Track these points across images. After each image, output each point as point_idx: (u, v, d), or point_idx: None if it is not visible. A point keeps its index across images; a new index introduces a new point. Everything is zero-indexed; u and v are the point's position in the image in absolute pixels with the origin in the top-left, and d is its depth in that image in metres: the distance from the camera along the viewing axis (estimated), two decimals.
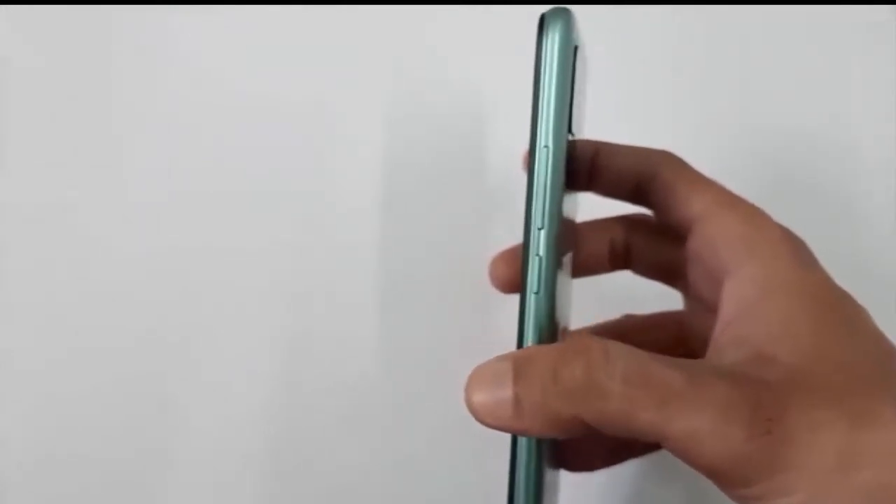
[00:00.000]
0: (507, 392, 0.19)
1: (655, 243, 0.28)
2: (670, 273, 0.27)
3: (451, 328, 0.38)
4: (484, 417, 0.20)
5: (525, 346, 0.20)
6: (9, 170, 0.35)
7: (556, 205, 0.20)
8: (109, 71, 0.36)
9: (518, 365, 0.19)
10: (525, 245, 0.20)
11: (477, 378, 0.20)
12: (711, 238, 0.24)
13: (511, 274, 0.27)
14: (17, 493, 0.34)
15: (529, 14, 0.41)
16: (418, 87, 0.39)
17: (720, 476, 0.19)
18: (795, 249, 0.23)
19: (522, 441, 0.20)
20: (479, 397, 0.20)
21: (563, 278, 0.22)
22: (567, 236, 0.23)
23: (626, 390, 0.18)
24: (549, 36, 0.19)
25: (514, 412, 0.19)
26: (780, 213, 0.42)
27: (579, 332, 0.27)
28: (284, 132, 0.37)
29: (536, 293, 0.20)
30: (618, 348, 0.19)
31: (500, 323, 0.38)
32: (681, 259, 0.26)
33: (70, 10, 0.36)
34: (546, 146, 0.20)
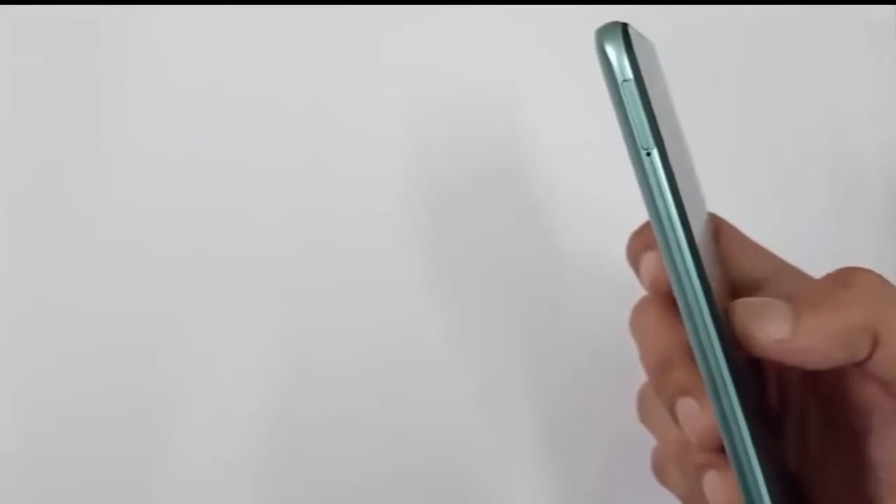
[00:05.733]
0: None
1: None
2: None
3: (453, 330, 0.38)
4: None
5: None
6: None
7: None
8: (106, 73, 0.36)
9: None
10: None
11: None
12: None
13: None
14: (17, 495, 0.34)
15: (520, 13, 0.41)
16: (420, 86, 0.39)
17: None
18: None
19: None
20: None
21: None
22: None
23: None
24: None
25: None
26: (779, 212, 0.43)
27: None
28: (284, 135, 0.37)
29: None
30: None
31: (496, 323, 0.39)
32: None
33: (68, 11, 0.36)
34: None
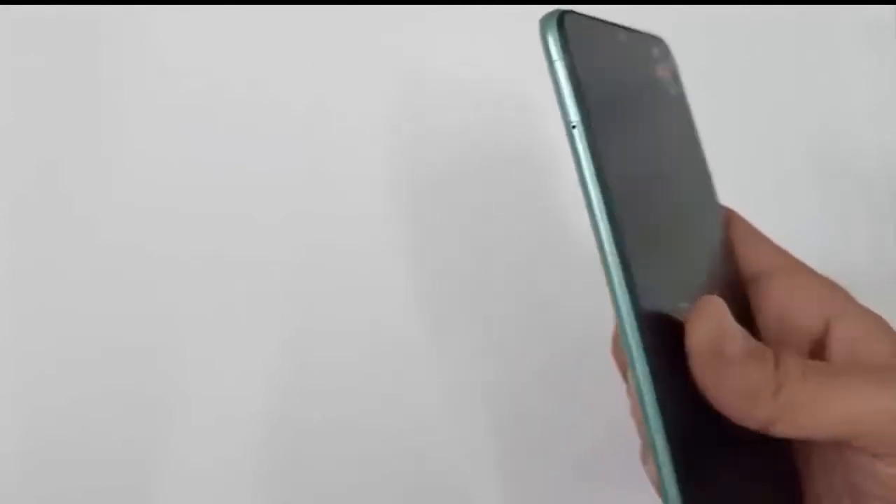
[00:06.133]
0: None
1: None
2: None
3: (449, 329, 0.38)
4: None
5: None
6: None
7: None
8: (106, 73, 0.36)
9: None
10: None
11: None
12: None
13: None
14: (17, 495, 0.34)
15: (524, 12, 0.41)
16: (420, 86, 0.39)
17: None
18: None
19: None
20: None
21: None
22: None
23: None
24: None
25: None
26: (779, 211, 0.43)
27: None
28: (284, 135, 0.37)
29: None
30: None
31: (496, 323, 0.39)
32: None
33: (68, 11, 0.36)
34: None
